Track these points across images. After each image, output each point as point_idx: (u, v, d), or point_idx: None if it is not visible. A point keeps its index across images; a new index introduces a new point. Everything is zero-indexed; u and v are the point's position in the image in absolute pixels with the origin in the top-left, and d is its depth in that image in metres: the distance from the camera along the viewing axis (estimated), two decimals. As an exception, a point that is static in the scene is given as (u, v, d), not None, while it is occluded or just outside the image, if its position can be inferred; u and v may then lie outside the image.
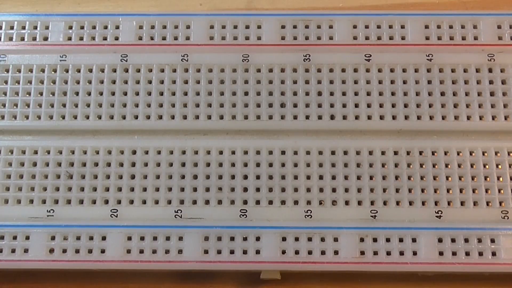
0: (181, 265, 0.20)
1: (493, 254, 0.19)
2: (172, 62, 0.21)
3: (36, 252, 0.20)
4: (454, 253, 0.20)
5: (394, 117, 0.21)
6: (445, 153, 0.21)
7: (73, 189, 0.20)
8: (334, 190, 0.20)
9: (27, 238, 0.20)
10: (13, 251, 0.20)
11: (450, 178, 0.20)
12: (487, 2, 0.23)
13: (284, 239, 0.20)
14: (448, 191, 0.20)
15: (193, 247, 0.20)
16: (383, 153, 0.21)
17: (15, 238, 0.20)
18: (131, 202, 0.20)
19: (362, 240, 0.20)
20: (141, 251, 0.20)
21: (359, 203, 0.20)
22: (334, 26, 0.22)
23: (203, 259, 0.20)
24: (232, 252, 0.20)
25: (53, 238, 0.20)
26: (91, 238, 0.20)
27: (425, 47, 0.21)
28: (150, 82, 0.21)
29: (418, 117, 0.21)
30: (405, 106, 0.21)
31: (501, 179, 0.20)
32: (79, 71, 0.21)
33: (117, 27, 0.22)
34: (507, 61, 0.21)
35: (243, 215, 0.20)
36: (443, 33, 0.21)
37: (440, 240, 0.20)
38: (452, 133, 0.21)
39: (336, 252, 0.20)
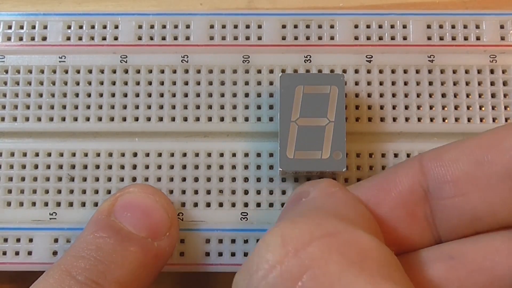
0: (182, 267, 0.20)
1: None
2: (172, 63, 0.21)
3: (39, 255, 0.20)
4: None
5: (394, 119, 0.21)
6: (445, 155, 0.21)
7: (74, 191, 0.21)
8: (334, 191, 0.20)
9: (31, 240, 0.20)
10: (17, 253, 0.20)
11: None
12: (488, 1, 0.23)
13: (284, 241, 0.20)
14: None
15: (195, 249, 0.20)
16: (383, 155, 0.21)
17: (18, 240, 0.20)
18: (133, 205, 0.20)
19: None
20: (143, 254, 0.20)
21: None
22: (335, 26, 0.21)
23: (204, 262, 0.20)
24: (233, 254, 0.20)
25: (56, 240, 0.20)
26: (93, 241, 0.20)
27: (427, 48, 0.21)
28: (150, 83, 0.21)
29: (419, 119, 0.21)
30: (406, 108, 0.21)
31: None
32: (78, 72, 0.21)
33: (116, 27, 0.22)
34: (509, 62, 0.21)
35: (243, 218, 0.20)
36: (445, 33, 0.21)
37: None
38: (452, 135, 0.21)
39: (335, 254, 0.20)
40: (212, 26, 0.21)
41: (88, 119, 0.21)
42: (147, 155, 0.21)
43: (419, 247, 0.16)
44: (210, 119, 0.21)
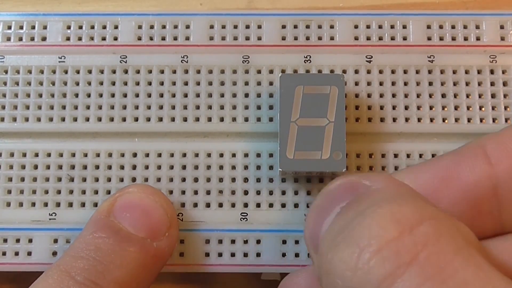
0: (182, 268, 0.20)
1: None
2: (172, 63, 0.21)
3: (39, 255, 0.20)
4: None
5: (394, 120, 0.21)
6: (445, 156, 0.21)
7: (74, 192, 0.21)
8: (334, 192, 0.20)
9: (30, 241, 0.20)
10: (17, 254, 0.20)
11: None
12: (487, 1, 0.23)
13: (284, 242, 0.20)
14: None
15: (194, 250, 0.20)
16: (383, 155, 0.21)
17: (18, 241, 0.20)
18: (133, 205, 0.20)
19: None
20: (143, 254, 0.20)
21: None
22: (335, 26, 0.21)
23: (204, 262, 0.20)
24: (233, 255, 0.20)
25: (55, 241, 0.20)
26: (93, 241, 0.20)
27: (427, 48, 0.21)
28: (150, 83, 0.21)
29: (419, 120, 0.21)
30: (406, 108, 0.21)
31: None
32: (78, 72, 0.21)
33: (116, 27, 0.22)
34: (509, 63, 0.21)
35: (243, 219, 0.20)
36: (445, 33, 0.21)
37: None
38: (452, 135, 0.21)
39: (335, 255, 0.20)
40: (212, 26, 0.21)
41: (87, 119, 0.21)
42: (147, 155, 0.21)
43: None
44: (210, 119, 0.21)
